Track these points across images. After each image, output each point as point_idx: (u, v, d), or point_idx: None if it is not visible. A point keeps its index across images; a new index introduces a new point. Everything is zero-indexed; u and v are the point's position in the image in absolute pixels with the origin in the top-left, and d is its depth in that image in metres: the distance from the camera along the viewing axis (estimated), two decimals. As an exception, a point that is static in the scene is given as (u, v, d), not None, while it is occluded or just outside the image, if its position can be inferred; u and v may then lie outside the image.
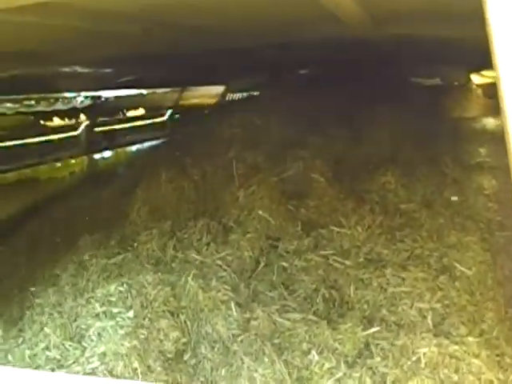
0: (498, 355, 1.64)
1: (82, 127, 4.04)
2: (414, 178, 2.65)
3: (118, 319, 1.80)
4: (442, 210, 2.48)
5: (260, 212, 2.12)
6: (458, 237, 2.31)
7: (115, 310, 1.84)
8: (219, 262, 1.97)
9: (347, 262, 1.96)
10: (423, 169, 2.84)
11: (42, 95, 3.26)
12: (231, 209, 2.17)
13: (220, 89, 6.19)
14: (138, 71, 3.35)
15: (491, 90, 5.16)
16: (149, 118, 5.15)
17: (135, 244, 2.15)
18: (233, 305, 1.79)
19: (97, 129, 4.23)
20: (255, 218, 2.11)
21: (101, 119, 4.27)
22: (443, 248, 2.18)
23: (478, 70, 5.27)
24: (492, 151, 3.62)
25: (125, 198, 2.57)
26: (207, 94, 6.10)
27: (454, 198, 2.75)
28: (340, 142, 2.98)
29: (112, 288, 1.91)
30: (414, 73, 5.18)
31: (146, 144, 4.92)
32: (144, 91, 4.53)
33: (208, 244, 2.04)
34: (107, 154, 4.60)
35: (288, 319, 1.75)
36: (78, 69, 2.58)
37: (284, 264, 1.95)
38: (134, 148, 4.95)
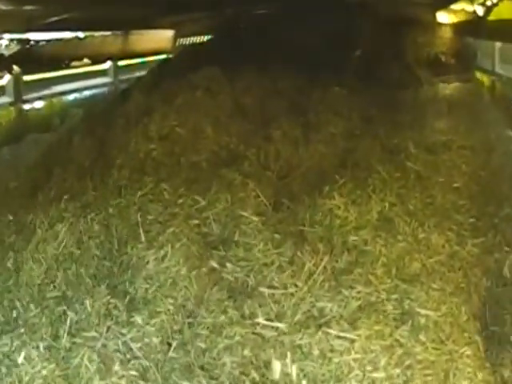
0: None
1: (8, 76, 3.88)
2: (369, 189, 2.44)
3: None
4: (403, 230, 2.26)
5: (174, 281, 1.88)
6: (423, 263, 2.11)
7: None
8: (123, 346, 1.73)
9: (281, 326, 1.72)
10: (381, 168, 2.63)
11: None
12: (139, 279, 1.92)
13: (169, 33, 6.05)
14: (73, 10, 3.17)
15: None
16: (88, 65, 4.98)
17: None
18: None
19: (27, 77, 4.06)
20: (168, 289, 1.87)
21: (31, 66, 4.08)
22: (403, 285, 1.95)
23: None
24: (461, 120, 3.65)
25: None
26: (155, 39, 5.91)
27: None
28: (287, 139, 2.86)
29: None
30: None
31: (86, 93, 4.92)
32: (81, 34, 4.41)
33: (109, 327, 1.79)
34: (39, 104, 4.43)
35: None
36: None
37: (202, 345, 1.71)
38: (70, 97, 4.85)
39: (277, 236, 2.01)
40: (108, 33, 4.89)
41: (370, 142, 3.09)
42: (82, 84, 5.00)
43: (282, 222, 2.12)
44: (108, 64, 5.34)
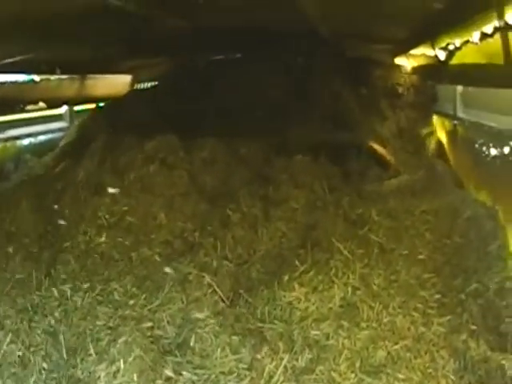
0: None
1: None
2: (331, 273, 2.48)
3: None
4: (367, 316, 2.29)
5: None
6: (388, 351, 2.15)
7: None
8: None
9: None
10: (344, 246, 2.67)
11: None
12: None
13: (127, 78, 6.18)
14: (29, 52, 3.21)
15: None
16: (43, 109, 5.05)
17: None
18: None
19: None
20: None
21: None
22: (368, 378, 1.98)
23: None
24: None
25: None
26: (113, 83, 6.02)
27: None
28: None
29: None
30: None
31: (41, 138, 5.05)
32: (36, 77, 4.45)
33: None
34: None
35: None
36: None
37: None
38: (25, 142, 4.93)
39: (235, 338, 2.02)
40: (64, 76, 4.98)
41: (332, 214, 3.16)
42: (37, 128, 5.12)
43: (241, 319, 2.14)
44: (64, 108, 5.50)
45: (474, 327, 2.33)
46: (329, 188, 3.52)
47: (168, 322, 2.12)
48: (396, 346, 2.17)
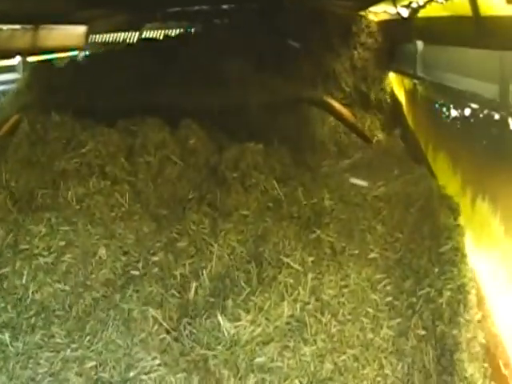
0: None
1: None
2: (280, 289, 2.63)
3: None
4: (315, 329, 2.48)
5: None
6: (335, 363, 2.34)
7: None
8: None
9: None
10: (294, 258, 2.81)
11: None
12: None
13: (82, 29, 6.61)
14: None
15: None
16: None
17: None
18: None
19: None
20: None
21: None
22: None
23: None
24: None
25: None
26: (67, 34, 6.43)
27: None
28: None
29: None
30: None
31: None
32: None
33: None
34: None
35: None
36: None
37: None
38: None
39: (180, 376, 2.20)
40: (17, 26, 5.25)
41: (285, 216, 3.29)
42: None
43: (186, 352, 2.32)
44: (17, 59, 5.71)
45: (423, 332, 2.52)
46: (282, 181, 3.63)
47: (113, 367, 2.28)
48: (343, 357, 2.36)
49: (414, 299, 2.69)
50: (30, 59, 5.84)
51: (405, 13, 4.88)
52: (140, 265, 2.84)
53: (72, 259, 2.78)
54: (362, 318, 2.58)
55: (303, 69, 5.60)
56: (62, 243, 2.84)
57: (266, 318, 2.48)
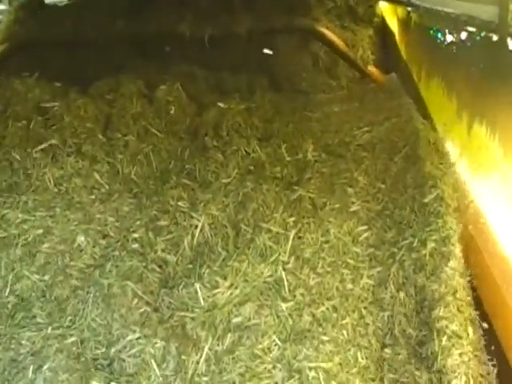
0: None
1: None
2: (258, 252, 2.77)
3: None
4: (295, 285, 2.61)
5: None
6: (313, 315, 2.49)
7: None
8: None
9: None
10: (275, 220, 2.95)
11: None
12: None
13: None
14: None
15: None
16: None
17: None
18: None
19: None
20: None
21: None
22: (292, 346, 2.33)
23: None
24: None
25: None
26: None
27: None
28: None
29: None
30: None
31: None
32: None
33: None
34: None
35: None
36: None
37: None
38: None
39: (159, 346, 2.38)
40: None
41: (266, 177, 3.41)
42: None
43: (164, 320, 2.47)
44: None
45: (403, 280, 2.64)
46: (265, 139, 3.79)
47: (94, 341, 2.46)
48: (322, 308, 2.50)
49: (396, 249, 2.81)
50: None
51: None
52: (119, 244, 2.99)
53: (50, 249, 2.94)
54: (342, 269, 2.71)
55: None
56: (39, 232, 3.01)
57: (244, 280, 2.63)
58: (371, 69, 5.41)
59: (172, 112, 4.03)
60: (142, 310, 2.57)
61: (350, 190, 3.21)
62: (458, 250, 2.73)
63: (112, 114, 3.93)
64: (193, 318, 2.46)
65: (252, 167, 3.55)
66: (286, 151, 3.60)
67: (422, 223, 2.87)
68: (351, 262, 2.76)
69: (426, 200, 2.99)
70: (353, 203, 3.11)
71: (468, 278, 2.67)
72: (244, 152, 3.67)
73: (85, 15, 5.34)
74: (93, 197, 3.35)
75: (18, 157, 3.47)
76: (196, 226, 3.03)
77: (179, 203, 3.22)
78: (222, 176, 3.45)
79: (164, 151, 3.76)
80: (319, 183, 3.26)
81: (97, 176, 3.45)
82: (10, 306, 2.66)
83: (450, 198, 3.04)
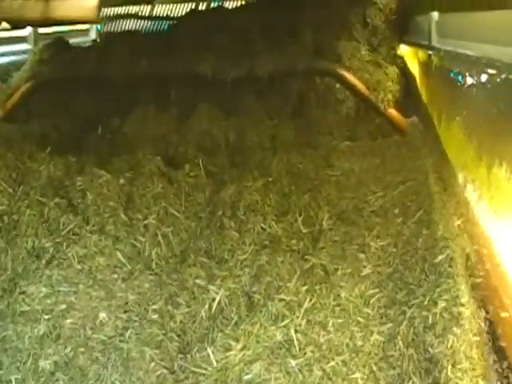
0: None
1: None
2: (273, 318, 2.98)
3: None
4: (304, 345, 2.79)
5: None
6: (323, 369, 2.64)
7: None
8: None
9: None
10: (289, 291, 3.16)
11: None
12: None
13: (94, 1, 7.55)
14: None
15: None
16: (6, 30, 6.20)
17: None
18: None
19: None
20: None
21: None
22: None
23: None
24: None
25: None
26: (79, 6, 7.32)
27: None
28: None
29: None
30: None
31: (4, 59, 6.17)
32: None
33: None
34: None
35: None
36: None
37: None
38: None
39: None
40: None
41: (282, 249, 3.66)
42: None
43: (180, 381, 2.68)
44: (28, 30, 6.51)
45: (413, 337, 2.79)
46: (282, 214, 4.02)
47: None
48: (332, 363, 2.65)
49: (406, 308, 2.99)
50: (41, 30, 6.65)
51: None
52: (140, 315, 3.24)
53: (73, 324, 3.17)
54: (353, 327, 2.89)
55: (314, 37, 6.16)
56: (63, 307, 3.26)
57: (257, 341, 2.83)
58: (392, 112, 5.67)
59: (190, 190, 4.33)
60: (158, 373, 2.78)
61: (361, 255, 3.44)
62: (468, 310, 2.86)
63: (133, 193, 4.23)
64: (206, 377, 2.65)
65: (268, 242, 3.81)
66: (302, 223, 3.87)
67: (432, 283, 3.06)
68: (362, 320, 2.94)
69: (436, 260, 3.19)
70: (364, 267, 3.33)
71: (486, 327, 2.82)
72: (260, 228, 3.95)
73: (108, 55, 5.92)
74: (115, 276, 3.62)
75: (37, 241, 3.77)
76: (214, 299, 3.28)
77: (197, 280, 3.47)
78: (238, 253, 3.70)
79: (183, 232, 4.06)
80: (332, 251, 3.51)
81: (119, 255, 3.73)
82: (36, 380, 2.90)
83: (460, 258, 3.23)
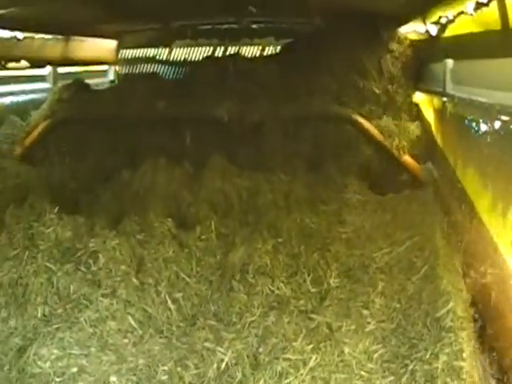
0: None
1: None
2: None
3: None
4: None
5: None
6: None
7: None
8: None
9: None
10: (294, 349, 3.27)
11: None
12: None
13: (112, 43, 7.68)
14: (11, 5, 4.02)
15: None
16: (25, 68, 6.23)
17: None
18: None
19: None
20: None
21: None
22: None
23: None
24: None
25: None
26: (98, 47, 7.39)
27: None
28: None
29: None
30: None
31: (24, 97, 6.28)
32: (20, 35, 5.49)
33: None
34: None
35: None
36: None
37: None
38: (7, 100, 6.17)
39: None
40: (49, 36, 6.20)
41: (288, 311, 3.76)
42: (19, 88, 6.41)
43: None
44: (47, 69, 6.73)
45: None
46: (291, 275, 4.14)
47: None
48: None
49: (408, 361, 3.06)
50: (61, 70, 6.94)
51: (434, 30, 5.43)
52: (150, 377, 3.36)
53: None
54: (356, 381, 2.97)
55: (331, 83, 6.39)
56: (74, 370, 3.35)
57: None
58: (407, 159, 5.82)
59: (200, 254, 4.47)
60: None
61: (365, 311, 3.54)
62: (469, 365, 2.93)
63: (144, 256, 4.37)
64: None
65: (276, 303, 3.93)
66: (310, 283, 4.00)
67: (434, 337, 3.14)
68: (365, 374, 3.02)
69: (438, 314, 3.28)
70: (368, 323, 3.43)
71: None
72: (269, 290, 4.07)
73: (126, 97, 6.14)
74: (126, 340, 3.73)
75: (47, 309, 3.89)
76: (222, 360, 3.38)
77: (205, 343, 3.58)
78: (246, 315, 3.80)
79: (194, 296, 4.18)
80: (337, 309, 3.62)
81: (131, 320, 3.84)
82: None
83: (462, 312, 3.32)
